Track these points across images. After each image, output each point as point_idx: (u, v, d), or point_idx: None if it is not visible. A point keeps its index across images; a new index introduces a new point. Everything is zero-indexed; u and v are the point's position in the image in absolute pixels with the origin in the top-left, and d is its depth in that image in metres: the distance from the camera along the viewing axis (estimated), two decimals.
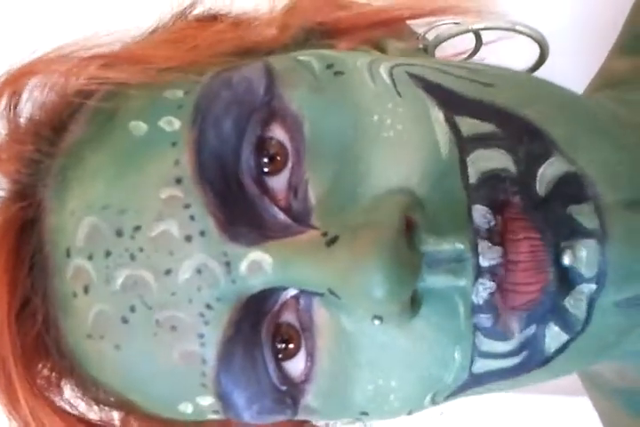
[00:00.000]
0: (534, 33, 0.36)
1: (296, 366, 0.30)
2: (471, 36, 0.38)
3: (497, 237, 0.27)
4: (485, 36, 0.38)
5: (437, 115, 0.29)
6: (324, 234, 0.27)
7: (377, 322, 0.27)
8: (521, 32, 0.36)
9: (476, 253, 0.27)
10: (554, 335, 0.28)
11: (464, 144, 0.28)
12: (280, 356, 0.30)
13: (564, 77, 0.34)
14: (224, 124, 0.29)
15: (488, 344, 0.28)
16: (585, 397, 0.43)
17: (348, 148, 0.28)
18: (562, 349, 0.29)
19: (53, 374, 0.32)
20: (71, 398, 0.33)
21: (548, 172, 0.28)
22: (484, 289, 0.27)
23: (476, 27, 0.36)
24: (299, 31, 0.35)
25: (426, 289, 0.28)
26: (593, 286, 0.28)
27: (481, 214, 0.27)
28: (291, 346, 0.30)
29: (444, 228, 0.27)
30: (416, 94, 0.29)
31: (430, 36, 0.37)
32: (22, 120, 0.32)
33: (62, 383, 0.32)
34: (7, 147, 0.32)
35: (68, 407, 0.32)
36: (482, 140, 0.28)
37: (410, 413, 0.32)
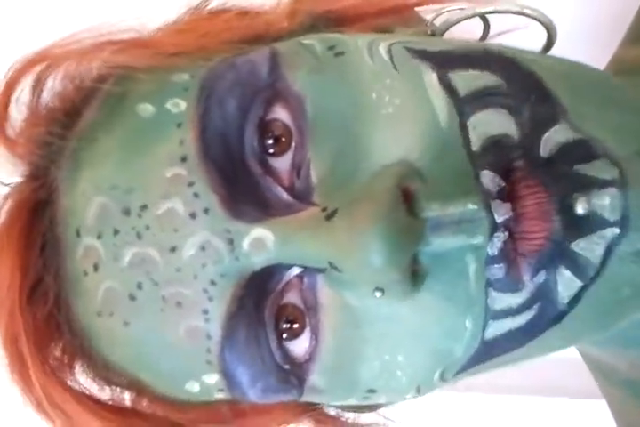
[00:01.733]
0: (542, 17, 0.36)
1: (300, 345, 0.30)
2: (480, 21, 0.38)
3: (506, 196, 0.27)
4: (493, 22, 0.38)
5: (430, 78, 0.29)
6: (324, 209, 0.28)
7: (378, 294, 0.28)
8: (529, 15, 0.36)
9: (490, 212, 0.27)
10: (566, 282, 0.28)
11: (462, 106, 0.28)
12: (285, 336, 0.30)
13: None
14: (228, 104, 0.29)
15: (500, 300, 0.28)
16: (595, 400, 0.42)
17: (349, 126, 0.29)
18: (576, 298, 0.28)
19: (65, 354, 0.33)
20: (84, 379, 0.33)
21: (554, 137, 0.28)
22: (499, 240, 0.27)
23: (483, 11, 0.36)
24: (306, 19, 0.35)
25: (433, 255, 0.27)
26: (616, 230, 0.28)
27: (489, 179, 0.27)
28: (295, 326, 0.30)
29: (451, 193, 0.27)
30: (411, 65, 0.29)
31: (438, 22, 0.38)
32: (40, 105, 0.33)
33: (74, 364, 0.33)
34: (24, 131, 0.33)
35: (79, 388, 0.33)
36: (482, 98, 0.28)
37: (418, 390, 0.31)
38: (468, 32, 0.38)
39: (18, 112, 0.33)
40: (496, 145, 0.28)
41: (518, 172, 0.28)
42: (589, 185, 0.28)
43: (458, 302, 0.28)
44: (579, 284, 0.28)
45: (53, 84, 0.33)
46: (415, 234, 0.27)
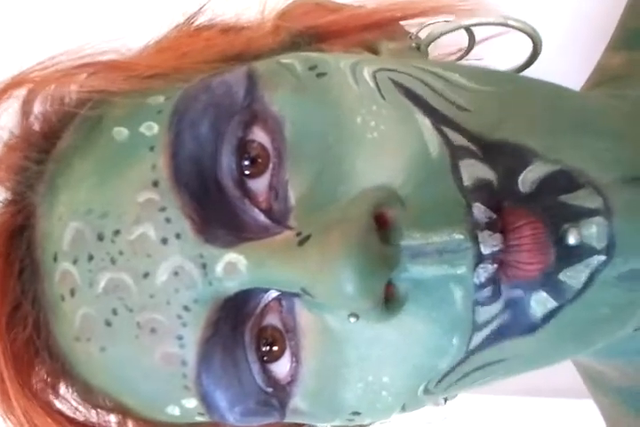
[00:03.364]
0: (526, 27, 0.35)
1: (281, 367, 0.30)
2: (465, 33, 0.38)
3: (496, 228, 0.27)
4: (479, 32, 0.37)
5: (424, 120, 0.29)
6: (298, 234, 0.27)
7: (353, 320, 0.27)
8: (513, 27, 0.35)
9: (476, 242, 0.27)
10: (540, 300, 0.28)
11: (454, 150, 0.28)
12: (265, 358, 0.30)
13: (561, 76, 0.33)
14: (201, 126, 0.29)
15: (484, 313, 0.28)
16: (587, 400, 0.42)
17: (330, 148, 0.28)
18: (549, 316, 0.28)
19: (48, 378, 0.33)
20: (71, 401, 0.33)
21: (529, 176, 0.28)
22: (485, 271, 0.27)
23: (467, 23, 0.36)
24: (288, 36, 0.35)
25: (412, 280, 0.27)
26: (602, 258, 0.28)
27: (480, 211, 0.27)
28: (275, 348, 0.30)
29: (435, 222, 0.27)
30: (400, 100, 0.29)
31: (423, 35, 0.37)
32: (22, 130, 0.33)
33: (59, 386, 0.33)
34: (2, 156, 0.33)
35: (66, 410, 0.33)
36: (467, 152, 0.28)
37: (404, 408, 0.31)
38: (452, 44, 0.38)
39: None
40: (485, 186, 0.28)
41: (507, 207, 0.27)
42: (577, 215, 0.28)
43: (444, 323, 0.28)
44: (553, 304, 0.28)
45: (33, 108, 0.33)
46: (388, 262, 0.26)
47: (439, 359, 0.29)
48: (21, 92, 0.32)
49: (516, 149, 0.29)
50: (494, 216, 0.27)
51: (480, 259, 0.27)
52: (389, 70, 0.30)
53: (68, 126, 0.32)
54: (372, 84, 0.29)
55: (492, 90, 0.30)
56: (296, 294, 0.28)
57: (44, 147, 0.32)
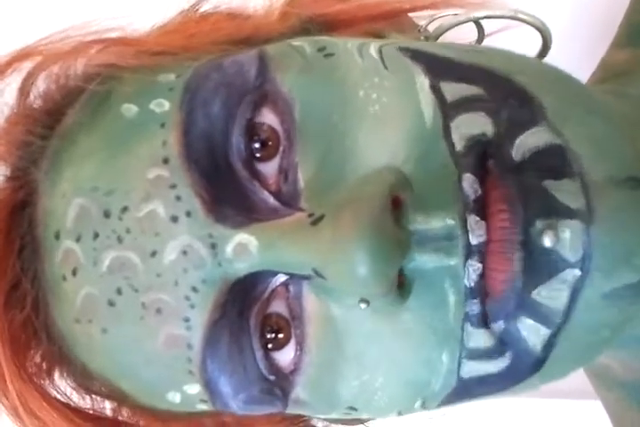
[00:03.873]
0: (535, 21, 0.35)
1: (286, 356, 0.29)
2: (474, 27, 0.38)
3: (482, 208, 0.26)
4: (488, 26, 0.37)
5: (423, 82, 0.28)
6: (310, 215, 0.27)
7: (363, 305, 0.27)
8: (522, 20, 0.35)
9: (465, 231, 0.26)
10: (530, 329, 0.27)
11: (448, 110, 0.28)
12: (270, 346, 0.29)
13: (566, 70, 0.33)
14: (213, 105, 0.28)
15: (474, 337, 0.27)
16: (592, 400, 0.42)
17: (336, 126, 0.28)
18: (549, 345, 0.27)
19: (44, 361, 0.32)
20: (64, 387, 0.32)
21: (530, 140, 0.27)
22: (474, 271, 0.26)
23: (477, 16, 0.36)
24: (297, 22, 0.35)
25: (416, 271, 0.27)
26: (577, 273, 0.26)
27: (469, 184, 0.26)
28: (280, 336, 0.29)
29: (433, 203, 0.26)
30: (402, 64, 0.29)
31: (432, 28, 0.37)
32: (24, 105, 0.32)
33: (54, 371, 0.32)
34: (4, 131, 0.32)
35: (59, 395, 0.32)
36: (465, 104, 0.28)
37: (400, 414, 0.31)
38: (461, 38, 0.38)
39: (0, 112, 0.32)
40: (476, 144, 0.27)
41: (492, 175, 0.27)
42: (554, 212, 0.26)
43: (436, 330, 0.27)
44: (547, 331, 0.27)
45: (36, 83, 0.32)
46: (402, 246, 0.26)
47: (430, 375, 0.28)
48: (27, 66, 0.32)
49: (528, 99, 0.28)
50: (480, 192, 0.26)
51: (469, 251, 0.26)
52: (398, 42, 0.31)
53: (73, 103, 0.31)
54: (376, 56, 0.29)
55: (507, 53, 0.31)
56: (305, 277, 0.28)
57: (48, 123, 0.31)
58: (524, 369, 0.28)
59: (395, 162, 0.27)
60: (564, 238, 0.26)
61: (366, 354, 0.28)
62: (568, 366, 0.30)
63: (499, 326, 0.27)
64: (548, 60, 0.36)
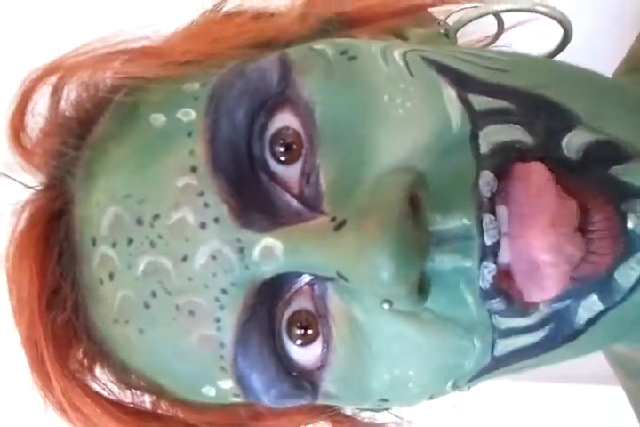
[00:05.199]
0: (556, 13, 0.35)
1: (313, 352, 0.30)
2: (494, 20, 0.38)
3: (501, 208, 0.27)
4: (508, 19, 0.37)
5: (449, 92, 0.29)
6: (333, 219, 0.28)
7: (386, 306, 0.28)
8: (542, 13, 0.35)
9: (480, 231, 0.27)
10: (589, 305, 0.27)
11: (477, 119, 0.28)
12: (299, 342, 0.30)
13: (591, 63, 0.33)
14: (237, 112, 0.29)
15: (508, 322, 0.28)
16: (615, 386, 0.42)
17: (356, 129, 0.29)
18: (593, 320, 0.28)
19: (86, 358, 0.33)
20: (106, 382, 0.34)
21: (575, 140, 0.27)
22: (489, 272, 0.27)
23: (497, 9, 0.36)
24: (317, 22, 0.35)
25: (434, 272, 0.27)
26: None
27: (486, 181, 0.27)
28: (309, 332, 0.30)
29: (450, 202, 0.27)
30: (428, 74, 0.29)
31: (451, 21, 0.37)
32: (56, 116, 0.34)
33: (95, 367, 0.34)
34: (39, 141, 0.33)
35: (101, 390, 0.34)
36: (495, 116, 0.28)
37: (431, 398, 0.32)
38: (480, 30, 0.38)
39: (34, 123, 0.33)
40: (506, 148, 0.28)
41: (558, 175, 0.27)
42: (630, 194, 0.27)
43: (460, 323, 0.28)
44: (600, 307, 0.28)
45: (68, 94, 0.33)
46: (423, 250, 0.26)
47: (463, 359, 0.29)
48: (57, 79, 0.33)
49: (560, 110, 0.28)
50: (495, 188, 0.27)
51: (484, 253, 0.27)
52: (421, 50, 0.31)
53: (103, 113, 0.32)
54: (401, 63, 0.30)
55: (530, 61, 0.31)
56: (330, 279, 0.29)
57: (80, 133, 0.33)
58: (559, 340, 0.28)
59: (412, 161, 0.28)
60: None
61: (393, 351, 0.29)
62: (598, 342, 0.31)
63: (561, 304, 0.27)
64: (567, 54, 0.36)
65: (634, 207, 0.26)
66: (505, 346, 0.29)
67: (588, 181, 0.27)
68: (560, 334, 0.28)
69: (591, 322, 0.28)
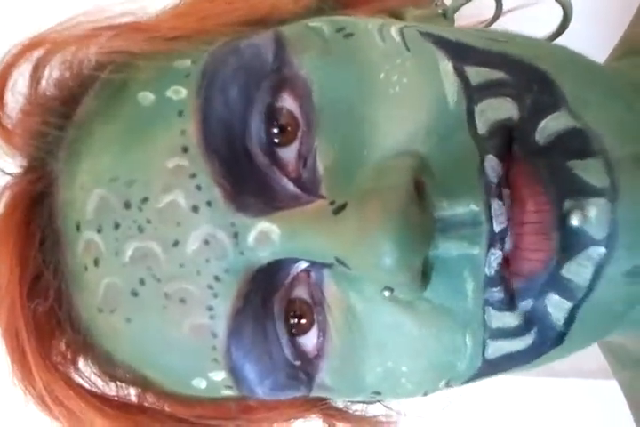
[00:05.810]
0: None
1: (309, 341, 0.29)
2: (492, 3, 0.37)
3: (505, 191, 0.26)
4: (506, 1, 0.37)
5: (446, 66, 0.28)
6: (332, 202, 0.27)
7: (387, 293, 0.27)
8: None
9: (489, 217, 0.26)
10: (556, 304, 0.27)
11: (472, 93, 0.27)
12: (293, 331, 0.29)
13: (586, 47, 0.33)
14: (231, 90, 0.28)
15: (497, 318, 0.27)
16: (605, 380, 0.42)
17: (354, 109, 0.28)
18: (571, 319, 0.27)
19: (69, 350, 0.32)
20: (89, 374, 0.33)
21: (551, 124, 0.27)
22: (495, 259, 0.26)
23: None
24: (312, 1, 0.34)
25: (437, 259, 0.27)
26: (602, 250, 0.26)
27: (491, 166, 0.26)
28: (303, 321, 0.29)
29: (456, 187, 0.26)
30: (425, 47, 0.28)
31: (448, 1, 0.36)
32: (37, 94, 0.32)
33: (78, 359, 0.32)
34: (20, 121, 0.32)
35: (84, 383, 0.32)
36: (490, 88, 0.27)
37: (425, 394, 0.31)
38: (477, 14, 0.37)
39: (15, 101, 0.32)
40: (501, 128, 0.27)
41: (516, 157, 0.26)
42: (582, 192, 0.26)
43: (455, 316, 0.27)
44: (569, 305, 0.27)
45: (50, 72, 0.32)
46: (427, 235, 0.25)
47: (455, 358, 0.28)
48: (39, 55, 0.31)
49: (550, 85, 0.28)
50: (502, 174, 0.26)
51: (492, 240, 0.26)
52: (418, 26, 0.30)
53: (87, 91, 0.31)
54: (398, 38, 0.29)
55: (526, 37, 0.30)
56: (327, 265, 0.28)
57: (63, 112, 0.31)
58: (547, 344, 0.28)
59: (414, 145, 0.27)
60: (590, 217, 0.26)
61: (388, 343, 0.28)
62: (586, 339, 0.30)
63: (526, 304, 0.27)
64: (564, 39, 0.36)
65: (581, 205, 0.26)
66: (496, 349, 0.28)
67: (539, 168, 0.26)
68: (547, 338, 0.28)
69: (569, 321, 0.27)
